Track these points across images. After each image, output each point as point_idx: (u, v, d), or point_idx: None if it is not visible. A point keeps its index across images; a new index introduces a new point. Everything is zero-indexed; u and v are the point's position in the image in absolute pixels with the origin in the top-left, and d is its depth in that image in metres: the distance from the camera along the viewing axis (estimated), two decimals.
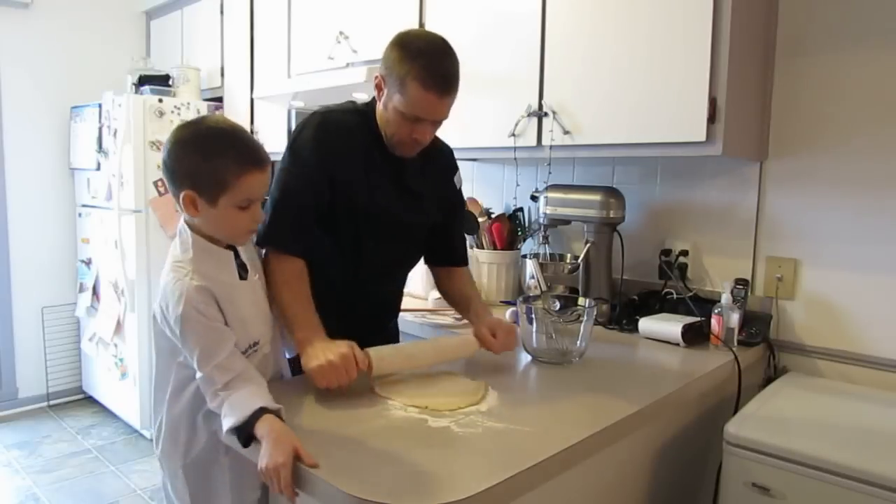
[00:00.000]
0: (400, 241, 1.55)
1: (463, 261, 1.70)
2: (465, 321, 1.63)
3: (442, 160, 1.63)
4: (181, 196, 1.13)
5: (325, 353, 1.22)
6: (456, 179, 1.67)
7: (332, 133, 1.42)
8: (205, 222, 1.16)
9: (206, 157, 1.12)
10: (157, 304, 1.17)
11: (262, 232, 1.35)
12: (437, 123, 1.43)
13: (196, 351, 1.11)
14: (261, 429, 1.02)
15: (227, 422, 1.06)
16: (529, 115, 1.96)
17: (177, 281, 1.12)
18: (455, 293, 1.67)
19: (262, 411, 1.05)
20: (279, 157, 3.37)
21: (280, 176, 1.41)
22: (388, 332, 1.71)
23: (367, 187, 1.44)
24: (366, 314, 1.56)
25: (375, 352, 1.30)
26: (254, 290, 1.25)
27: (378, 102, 1.45)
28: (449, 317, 2.03)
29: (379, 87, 1.42)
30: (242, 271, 1.23)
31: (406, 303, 1.80)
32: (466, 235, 2.32)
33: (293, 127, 3.01)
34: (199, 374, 1.12)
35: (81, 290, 3.66)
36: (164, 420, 1.25)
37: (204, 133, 1.14)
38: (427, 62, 1.35)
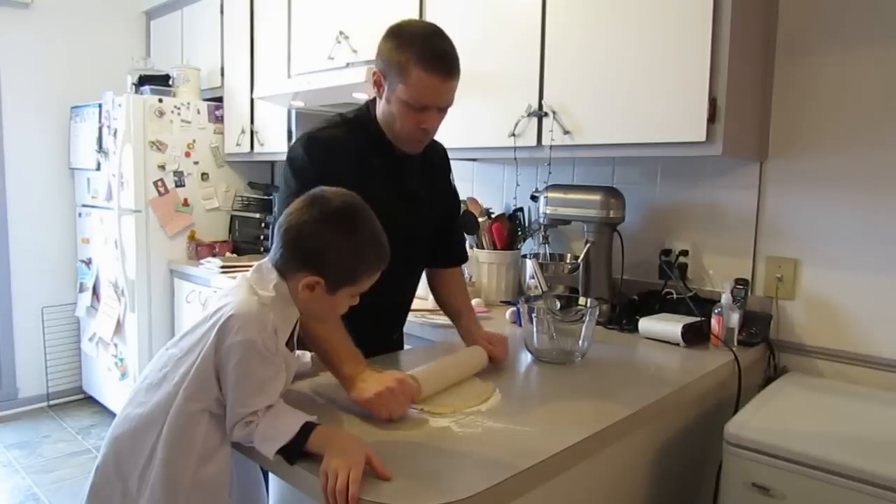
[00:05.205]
0: (401, 248, 1.39)
1: (459, 261, 1.68)
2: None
3: (437, 159, 1.60)
4: (304, 278, 1.07)
5: (380, 382, 1.16)
6: (450, 178, 1.66)
7: (324, 149, 1.38)
8: (306, 302, 1.11)
9: (359, 250, 1.10)
10: (183, 338, 1.09)
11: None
12: (442, 111, 1.39)
13: (249, 383, 1.03)
14: (317, 440, 0.99)
15: (274, 444, 1.00)
16: (529, 115, 1.95)
17: (261, 309, 1.06)
18: (446, 298, 1.64)
19: (310, 425, 1.01)
20: (279, 157, 3.34)
21: (283, 198, 1.36)
22: (392, 345, 1.67)
23: (367, 196, 1.29)
24: (369, 327, 1.41)
25: (420, 376, 1.26)
26: (287, 362, 1.16)
27: (379, 100, 1.41)
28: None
29: (378, 84, 1.38)
30: (291, 339, 1.18)
31: None
32: (466, 235, 2.32)
33: (293, 127, 3.00)
34: (234, 408, 1.04)
35: (81, 290, 3.66)
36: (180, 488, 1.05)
37: (361, 228, 1.11)
38: (425, 45, 1.32)
